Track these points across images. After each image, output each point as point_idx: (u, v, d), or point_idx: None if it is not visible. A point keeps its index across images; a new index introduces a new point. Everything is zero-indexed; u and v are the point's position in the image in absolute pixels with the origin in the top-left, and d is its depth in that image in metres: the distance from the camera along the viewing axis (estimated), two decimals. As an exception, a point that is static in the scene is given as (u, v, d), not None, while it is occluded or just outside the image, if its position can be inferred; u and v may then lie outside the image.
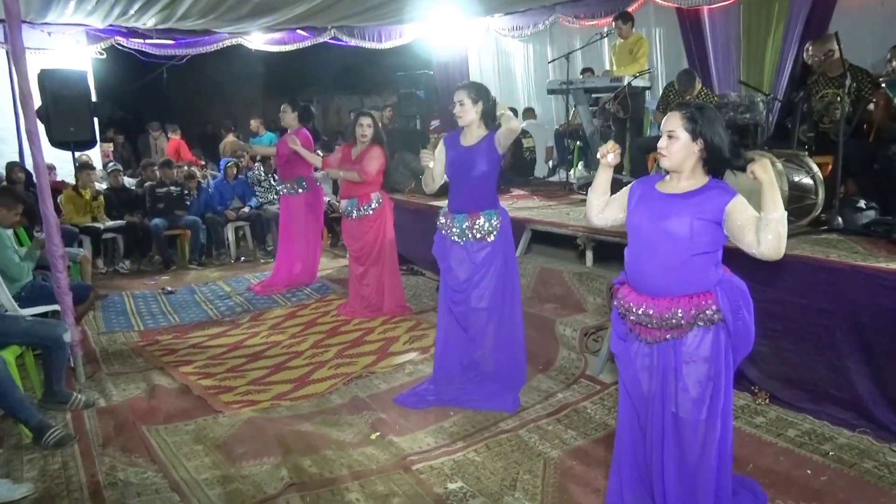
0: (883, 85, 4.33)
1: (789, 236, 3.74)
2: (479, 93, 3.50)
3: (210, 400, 3.79)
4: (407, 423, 3.48)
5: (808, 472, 2.83)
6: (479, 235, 3.51)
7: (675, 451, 2.30)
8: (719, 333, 2.21)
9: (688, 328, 2.20)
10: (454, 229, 3.56)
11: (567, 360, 4.07)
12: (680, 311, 2.18)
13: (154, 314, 5.72)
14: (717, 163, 2.21)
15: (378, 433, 3.35)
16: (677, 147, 2.20)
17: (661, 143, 2.24)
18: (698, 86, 5.63)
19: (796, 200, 3.90)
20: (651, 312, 2.23)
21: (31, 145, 3.76)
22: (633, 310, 2.29)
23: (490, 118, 3.51)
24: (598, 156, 2.43)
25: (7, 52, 8.00)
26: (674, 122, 2.22)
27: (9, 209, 4.18)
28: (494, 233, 3.51)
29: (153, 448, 3.20)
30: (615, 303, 2.43)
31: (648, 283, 2.26)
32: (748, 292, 2.26)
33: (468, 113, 3.47)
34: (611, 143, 2.44)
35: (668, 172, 2.31)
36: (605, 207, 2.51)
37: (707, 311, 2.19)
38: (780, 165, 3.86)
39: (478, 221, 3.50)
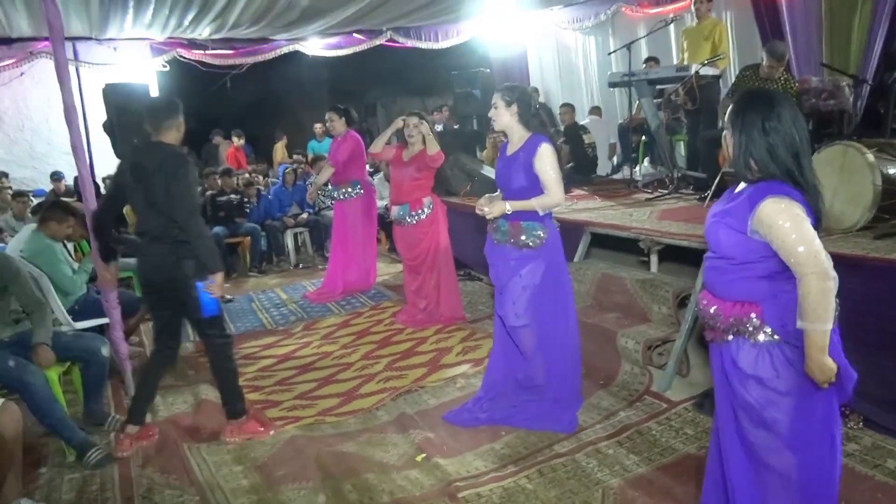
0: None
1: (885, 236, 3.37)
2: (514, 93, 3.26)
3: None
4: (455, 443, 3.27)
5: (914, 513, 2.44)
6: (518, 245, 3.26)
7: (746, 470, 2.01)
8: (776, 353, 1.88)
9: (725, 334, 1.96)
10: (495, 234, 3.35)
11: (630, 374, 3.75)
12: (720, 314, 1.96)
13: (211, 323, 5.71)
14: (746, 167, 1.89)
15: (424, 455, 3.15)
16: (728, 145, 1.95)
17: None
18: (784, 61, 5.09)
19: (890, 196, 3.45)
20: (705, 304, 2.04)
21: (77, 159, 3.78)
22: (701, 303, 2.09)
23: (532, 119, 3.26)
24: None
25: (76, 69, 8.33)
26: (726, 117, 1.96)
27: (59, 222, 4.23)
28: (535, 246, 3.24)
29: (192, 469, 3.10)
30: None
31: (707, 281, 2.06)
32: None
33: (501, 116, 3.25)
34: None
35: None
36: None
37: (746, 322, 1.90)
38: (870, 156, 3.44)
39: (520, 235, 3.24)
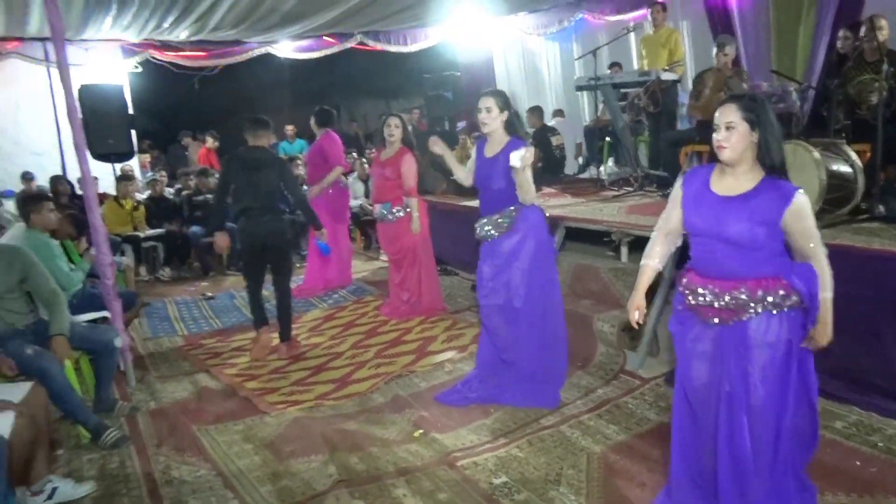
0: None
1: (830, 225, 3.76)
2: (505, 101, 3.52)
3: (256, 400, 3.88)
4: (449, 420, 3.52)
5: (858, 463, 2.81)
6: (500, 230, 3.54)
7: (740, 439, 2.28)
8: (786, 320, 2.20)
9: (753, 311, 2.20)
10: (479, 230, 3.64)
11: (606, 356, 4.08)
12: (747, 291, 2.19)
13: (196, 319, 5.86)
14: (770, 156, 2.17)
15: (421, 430, 3.40)
16: (736, 138, 2.17)
17: (720, 135, 2.20)
18: (724, 48, 5.49)
19: (835, 189, 3.86)
20: (717, 292, 2.24)
21: (79, 158, 3.89)
22: (698, 290, 2.29)
23: (512, 126, 3.53)
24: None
25: (47, 70, 8.30)
26: (731, 114, 2.18)
27: (37, 211, 4.12)
28: (512, 224, 3.52)
29: (204, 447, 3.30)
30: (679, 287, 2.43)
31: (714, 271, 2.27)
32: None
33: (494, 120, 3.49)
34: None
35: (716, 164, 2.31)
36: (667, 235, 2.50)
37: (775, 294, 2.18)
38: (817, 154, 3.83)
39: (499, 218, 3.54)
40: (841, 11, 6.01)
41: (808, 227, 2.17)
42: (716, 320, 2.28)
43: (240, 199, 4.54)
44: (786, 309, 2.20)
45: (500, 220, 3.55)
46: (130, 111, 8.41)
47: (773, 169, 2.18)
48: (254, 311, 4.81)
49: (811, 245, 2.18)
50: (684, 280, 2.39)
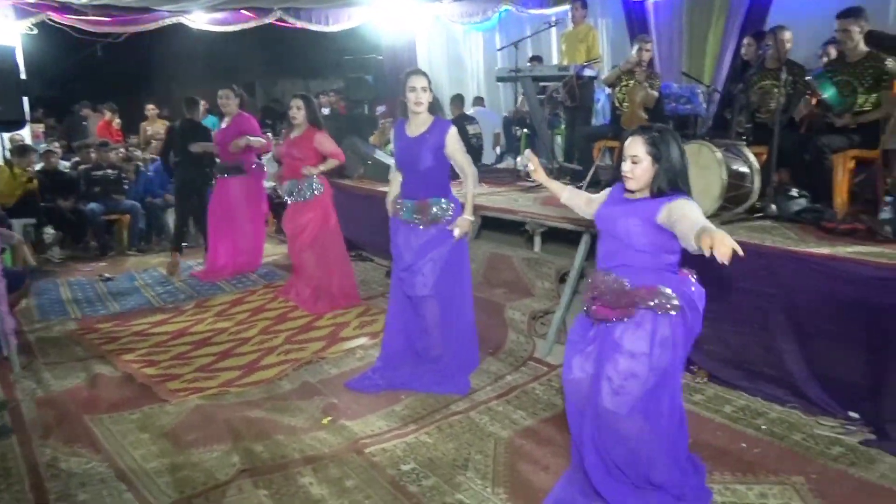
0: (808, 77, 4.53)
1: (728, 222, 3.97)
2: (429, 80, 3.53)
3: (155, 388, 3.70)
4: (358, 407, 3.49)
5: (743, 445, 2.98)
6: (427, 220, 3.54)
7: (601, 440, 2.40)
8: (659, 328, 2.29)
9: (630, 310, 2.31)
10: (402, 212, 3.61)
11: (516, 343, 4.15)
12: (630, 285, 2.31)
13: (92, 302, 5.53)
14: (659, 186, 2.30)
15: (329, 418, 3.35)
16: (641, 171, 2.30)
17: (626, 167, 2.32)
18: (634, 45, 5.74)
19: (734, 188, 4.06)
20: (607, 281, 2.36)
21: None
22: (598, 285, 2.40)
23: (434, 107, 3.56)
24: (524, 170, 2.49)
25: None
26: (637, 147, 2.29)
27: None
28: (444, 219, 3.55)
29: (97, 438, 3.11)
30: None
31: (609, 266, 2.40)
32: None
33: (427, 100, 3.48)
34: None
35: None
36: (588, 204, 2.68)
37: (658, 297, 2.28)
38: (720, 155, 4.02)
39: (429, 210, 3.54)
40: (747, 20, 6.35)
41: (691, 211, 2.21)
42: (598, 316, 2.40)
43: (178, 156, 6.33)
44: (664, 313, 2.27)
45: (433, 211, 3.53)
46: (23, 76, 7.82)
47: (662, 193, 2.30)
48: (176, 236, 6.55)
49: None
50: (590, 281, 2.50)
